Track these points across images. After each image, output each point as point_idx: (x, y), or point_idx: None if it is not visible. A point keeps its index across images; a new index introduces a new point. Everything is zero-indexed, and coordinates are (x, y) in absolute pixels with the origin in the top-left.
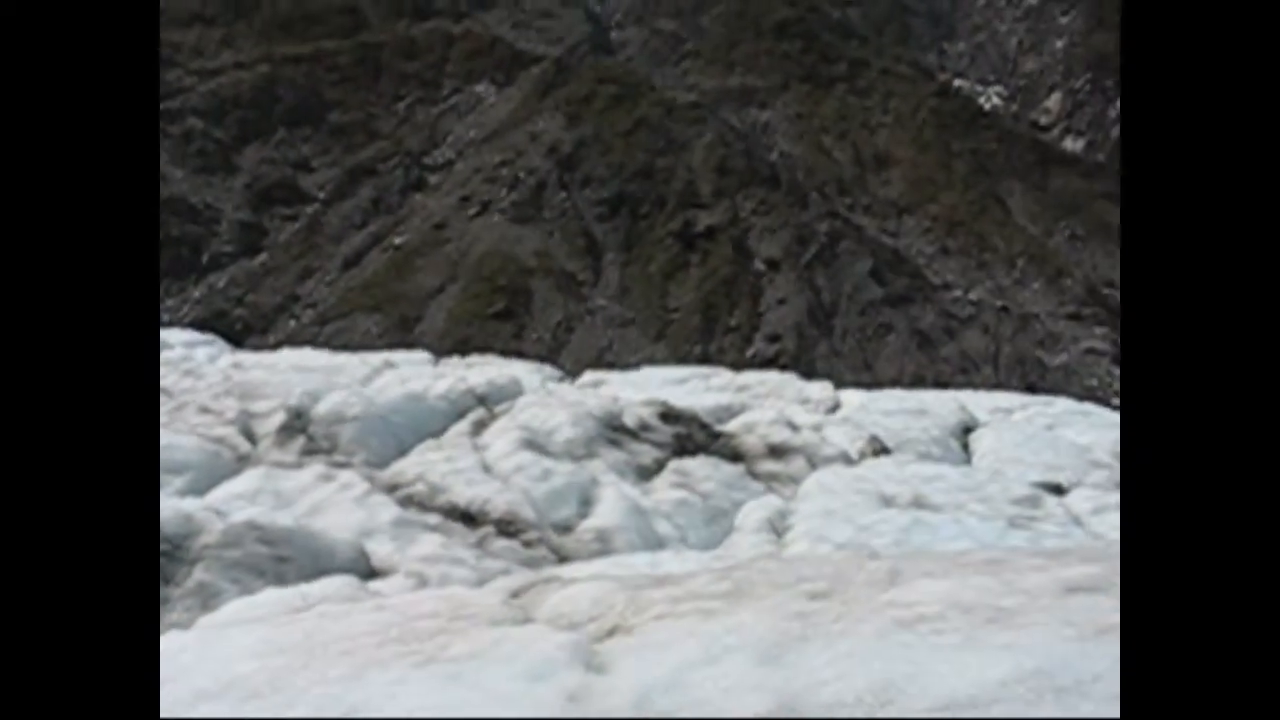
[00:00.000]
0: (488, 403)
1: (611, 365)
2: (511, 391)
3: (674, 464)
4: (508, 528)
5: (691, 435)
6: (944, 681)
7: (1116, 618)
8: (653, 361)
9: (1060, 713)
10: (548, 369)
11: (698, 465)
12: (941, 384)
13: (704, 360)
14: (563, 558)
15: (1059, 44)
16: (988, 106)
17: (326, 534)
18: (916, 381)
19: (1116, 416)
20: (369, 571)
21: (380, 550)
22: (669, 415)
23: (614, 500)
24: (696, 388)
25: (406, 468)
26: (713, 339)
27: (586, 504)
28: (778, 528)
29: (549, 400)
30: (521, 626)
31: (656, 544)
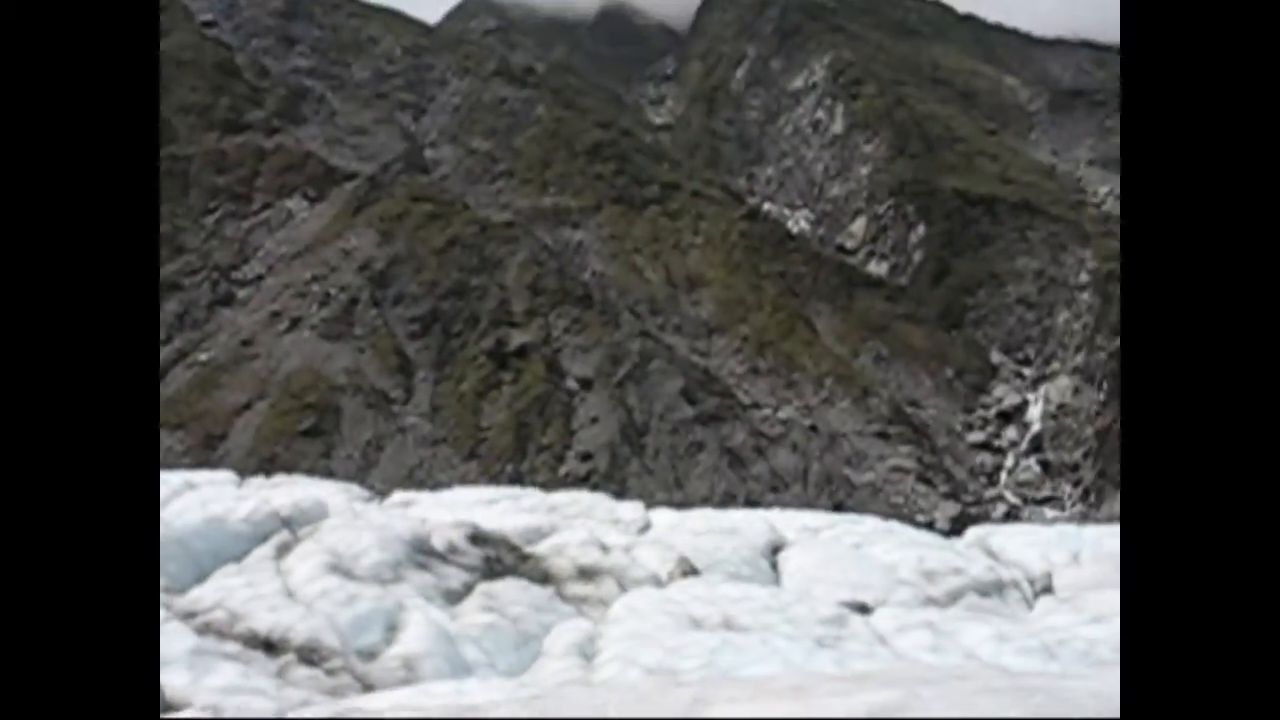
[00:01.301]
0: (292, 525)
1: (422, 484)
2: (317, 513)
3: (483, 587)
4: (310, 656)
5: (500, 558)
6: None
7: None
8: (464, 480)
9: None
10: (355, 489)
11: (507, 588)
12: (752, 502)
13: (516, 479)
14: (367, 686)
15: (863, 171)
16: (795, 230)
17: None
18: (727, 499)
19: (921, 534)
20: (163, 705)
21: (175, 682)
22: (478, 537)
23: (421, 626)
24: (507, 508)
25: (205, 594)
26: (525, 458)
27: (392, 630)
28: (587, 651)
29: (356, 522)
30: None
31: (464, 670)
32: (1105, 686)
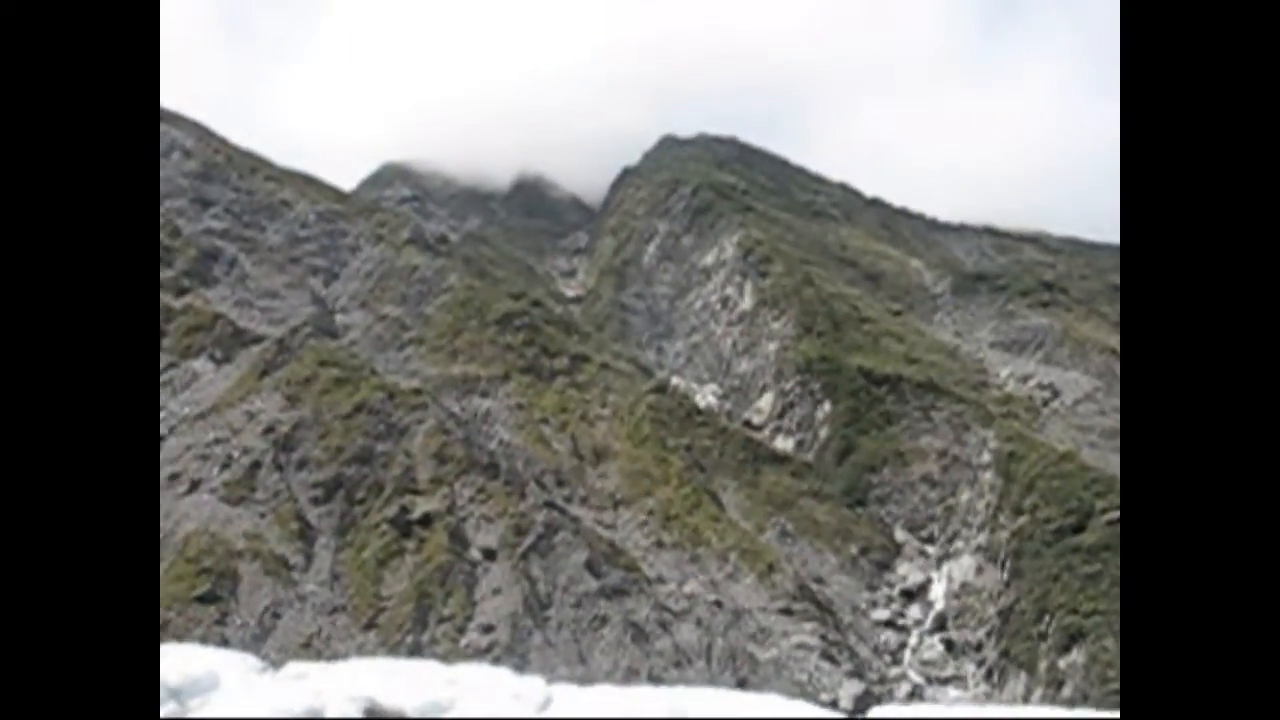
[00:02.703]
0: (181, 696)
1: (320, 654)
2: (209, 684)
3: None
4: None
5: None
6: None
7: None
8: (363, 651)
9: None
10: (250, 659)
11: None
12: (655, 678)
13: (416, 650)
14: None
15: (771, 347)
16: (703, 405)
17: None
18: (630, 675)
19: (825, 713)
20: None
21: None
22: (374, 711)
23: None
24: (405, 681)
25: None
26: (425, 629)
27: None
28: None
29: (248, 694)
30: None
31: None
32: None
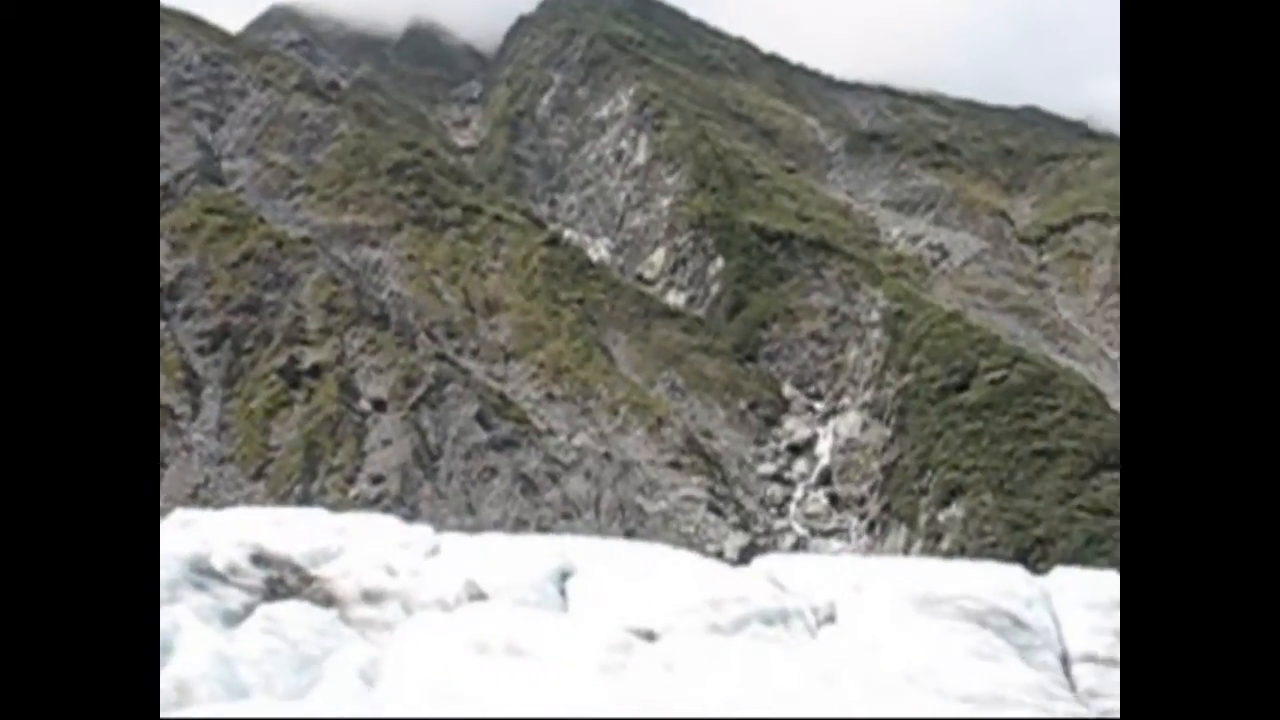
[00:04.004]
0: None
1: (207, 503)
2: None
3: (264, 609)
4: None
5: (284, 579)
6: None
7: None
8: (251, 501)
9: None
10: None
11: (288, 610)
12: (544, 528)
13: (305, 500)
14: None
15: (664, 203)
16: (595, 258)
17: None
18: (520, 525)
19: (709, 563)
20: None
21: None
22: (261, 558)
23: (196, 647)
24: (293, 529)
25: None
26: (314, 479)
27: (167, 651)
28: (369, 676)
29: None
30: None
31: (240, 693)
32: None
